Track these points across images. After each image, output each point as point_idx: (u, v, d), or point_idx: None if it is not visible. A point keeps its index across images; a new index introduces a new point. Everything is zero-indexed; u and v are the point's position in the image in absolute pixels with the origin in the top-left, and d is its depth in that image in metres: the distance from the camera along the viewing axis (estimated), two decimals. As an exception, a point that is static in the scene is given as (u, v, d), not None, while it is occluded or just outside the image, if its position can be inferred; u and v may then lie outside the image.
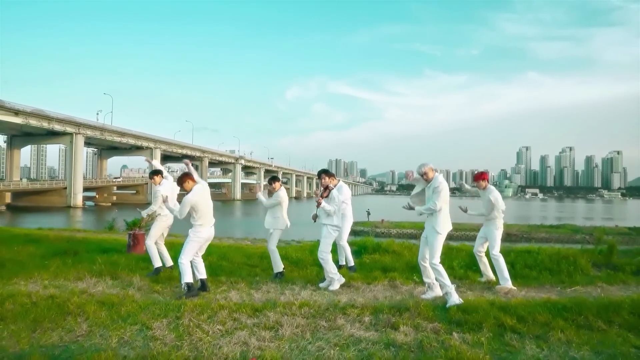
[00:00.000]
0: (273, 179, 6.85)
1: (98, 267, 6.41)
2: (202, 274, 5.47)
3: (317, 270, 6.66)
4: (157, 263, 6.59)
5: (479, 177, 6.13)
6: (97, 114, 72.13)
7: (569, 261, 6.83)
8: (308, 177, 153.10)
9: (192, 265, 5.37)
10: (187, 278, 5.16)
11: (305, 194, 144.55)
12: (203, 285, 5.40)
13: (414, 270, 6.25)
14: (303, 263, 7.13)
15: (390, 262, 7.11)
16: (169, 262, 6.87)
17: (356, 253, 8.33)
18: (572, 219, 52.79)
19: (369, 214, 39.51)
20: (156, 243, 6.75)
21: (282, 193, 6.39)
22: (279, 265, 6.34)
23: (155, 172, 6.85)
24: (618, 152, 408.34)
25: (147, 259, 7.65)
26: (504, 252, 7.90)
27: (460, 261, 7.01)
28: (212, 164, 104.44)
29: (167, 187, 6.62)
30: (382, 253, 8.15)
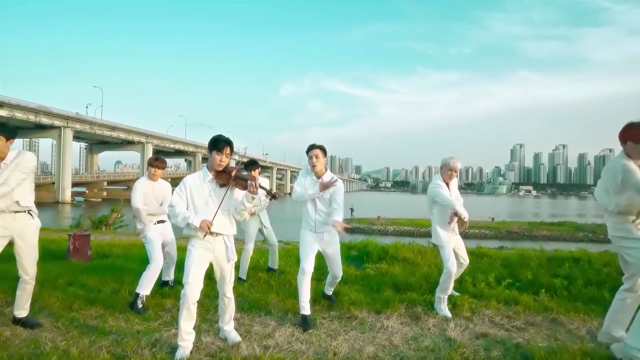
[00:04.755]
0: (252, 164, 5.09)
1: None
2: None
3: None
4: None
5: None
6: (87, 107, 69.92)
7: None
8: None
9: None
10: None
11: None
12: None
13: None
14: (286, 277, 5.29)
15: (403, 276, 5.28)
16: None
17: (357, 261, 6.51)
18: (566, 216, 51.99)
19: (352, 210, 37.68)
20: None
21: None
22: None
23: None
24: (610, 150, 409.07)
25: (72, 268, 5.76)
26: (534, 256, 6.13)
27: (497, 273, 5.20)
28: (206, 159, 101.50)
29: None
30: (390, 261, 6.31)
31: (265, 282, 5.07)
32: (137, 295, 4.06)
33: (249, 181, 2.99)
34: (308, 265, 3.71)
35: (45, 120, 58.57)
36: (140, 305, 4.00)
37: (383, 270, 5.73)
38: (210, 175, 3.14)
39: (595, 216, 55.37)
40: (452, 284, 4.05)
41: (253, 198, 3.02)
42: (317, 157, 3.81)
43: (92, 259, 7.16)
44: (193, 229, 3.03)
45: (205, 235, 3.05)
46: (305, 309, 3.66)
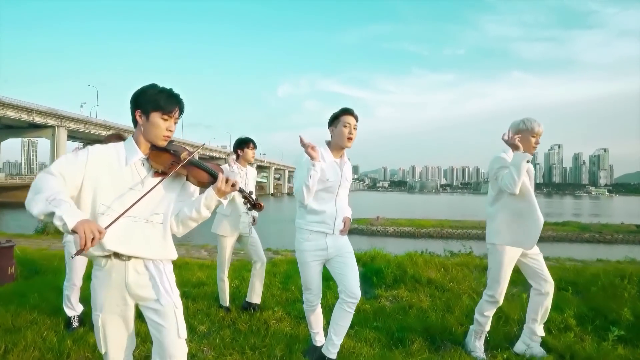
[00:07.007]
0: (244, 142, 3.79)
1: None
2: None
3: (291, 332, 3.16)
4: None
5: None
6: (81, 106, 68.01)
7: None
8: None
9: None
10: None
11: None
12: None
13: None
14: (262, 316, 3.58)
15: (436, 313, 3.60)
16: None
17: (364, 282, 4.80)
18: (562, 215, 51.20)
19: None
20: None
21: None
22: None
23: None
24: (605, 150, 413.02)
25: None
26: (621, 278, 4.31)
27: (575, 309, 3.53)
28: (203, 159, 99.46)
29: None
30: (412, 286, 4.58)
31: (230, 324, 3.37)
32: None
33: (220, 175, 1.68)
34: (315, 296, 2.74)
35: (38, 119, 57.14)
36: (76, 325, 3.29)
37: (404, 302, 4.02)
38: (140, 153, 1.70)
39: (591, 215, 54.62)
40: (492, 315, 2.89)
41: (219, 203, 1.68)
42: (355, 128, 2.66)
43: (17, 279, 5.43)
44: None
45: (100, 257, 1.65)
46: (319, 339, 2.80)
